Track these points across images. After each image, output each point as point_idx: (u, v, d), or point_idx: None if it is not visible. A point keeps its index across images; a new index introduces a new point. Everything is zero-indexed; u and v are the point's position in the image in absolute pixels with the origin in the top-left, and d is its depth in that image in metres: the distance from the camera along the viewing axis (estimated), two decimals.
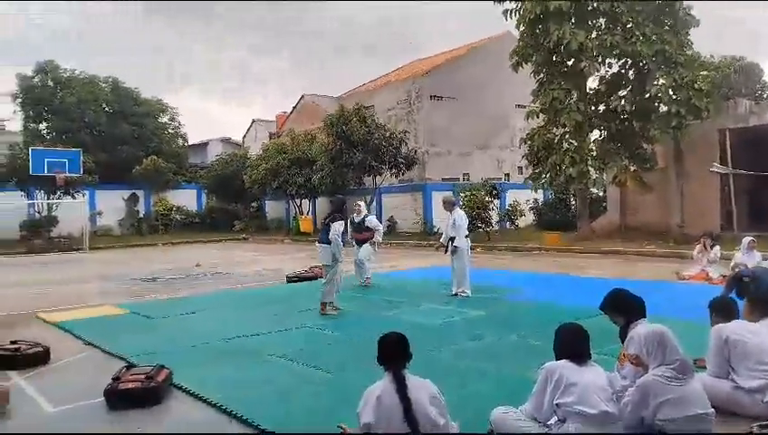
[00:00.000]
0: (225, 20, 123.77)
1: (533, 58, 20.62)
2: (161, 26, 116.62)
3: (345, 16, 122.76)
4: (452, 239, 10.28)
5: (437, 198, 26.53)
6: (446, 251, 10.49)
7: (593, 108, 21.00)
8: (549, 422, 3.60)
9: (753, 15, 72.29)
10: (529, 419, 3.72)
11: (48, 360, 6.48)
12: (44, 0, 79.25)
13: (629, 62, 19.86)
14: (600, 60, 19.75)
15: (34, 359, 6.37)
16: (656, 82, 18.89)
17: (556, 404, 3.51)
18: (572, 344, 3.69)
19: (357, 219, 11.93)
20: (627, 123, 19.95)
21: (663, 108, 18.88)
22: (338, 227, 8.95)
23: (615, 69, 20.62)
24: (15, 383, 5.70)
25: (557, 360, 3.71)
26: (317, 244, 9.49)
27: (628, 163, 19.87)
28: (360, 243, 11.85)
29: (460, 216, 10.40)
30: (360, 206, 12.22)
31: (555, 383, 3.53)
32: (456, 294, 10.11)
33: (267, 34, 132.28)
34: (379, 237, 12.09)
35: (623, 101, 19.54)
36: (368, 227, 11.84)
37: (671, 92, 18.45)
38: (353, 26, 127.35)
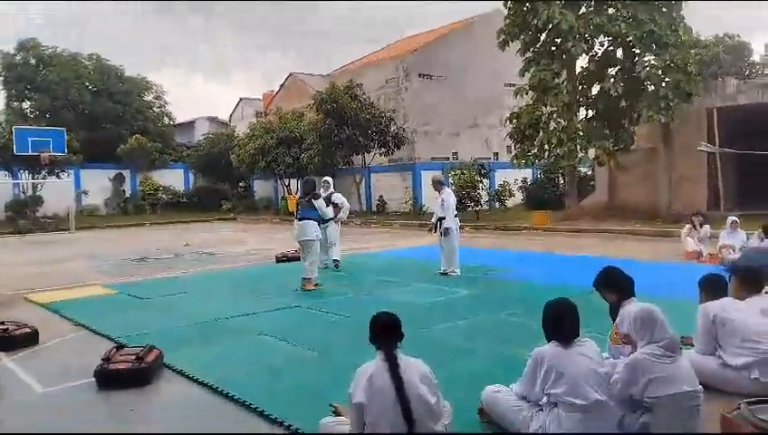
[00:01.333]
0: None
1: (521, 37, 20.49)
2: (145, 5, 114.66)
3: None
4: (441, 219, 10.27)
5: (427, 177, 26.50)
6: (435, 231, 10.52)
7: (582, 87, 20.96)
8: (540, 402, 3.62)
9: None
10: (519, 398, 3.75)
11: (37, 341, 6.45)
12: None
13: (618, 41, 19.78)
14: (587, 41, 19.65)
15: (23, 340, 6.33)
16: (645, 64, 18.86)
17: (546, 393, 3.52)
18: (559, 323, 3.65)
19: (323, 195, 11.31)
20: (614, 104, 19.93)
21: (651, 88, 18.88)
22: (321, 203, 9.73)
23: (603, 49, 20.54)
24: (4, 365, 5.68)
25: (547, 339, 3.69)
26: (296, 222, 9.65)
27: (610, 143, 19.88)
28: (326, 220, 11.27)
29: (448, 195, 10.38)
30: (327, 182, 11.87)
31: (545, 374, 3.52)
32: (445, 273, 10.15)
33: (253, 10, 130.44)
34: (344, 215, 11.83)
35: (612, 81, 19.45)
36: (335, 203, 11.49)
37: (660, 73, 18.44)
38: (339, 5, 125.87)
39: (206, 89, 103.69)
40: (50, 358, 6.00)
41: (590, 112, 21.03)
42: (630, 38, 18.72)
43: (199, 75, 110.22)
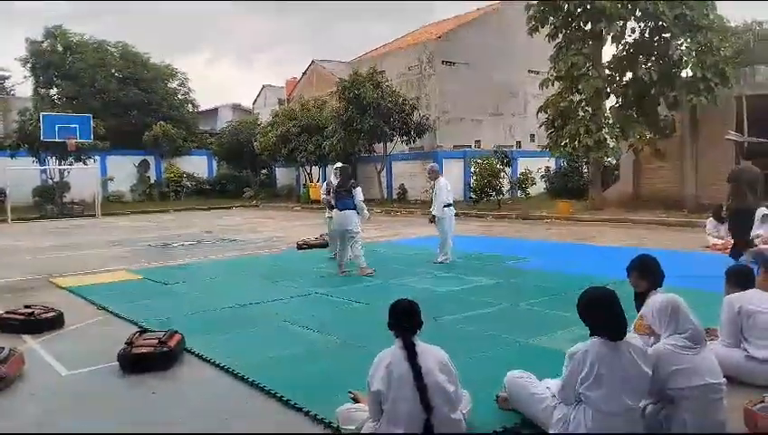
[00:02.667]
0: None
1: (551, 21, 20.19)
2: None
3: None
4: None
5: (449, 165, 26.49)
6: (433, 220, 10.65)
7: (614, 74, 20.61)
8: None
9: None
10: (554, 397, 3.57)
11: (62, 324, 6.56)
12: None
13: (651, 25, 19.38)
14: (620, 24, 19.28)
15: (49, 323, 6.44)
16: (679, 46, 18.45)
17: (579, 392, 3.30)
18: (609, 314, 3.28)
19: (335, 182, 11.00)
20: (647, 90, 19.52)
21: (686, 73, 18.51)
22: (359, 191, 9.75)
23: (637, 34, 20.11)
24: (30, 347, 5.77)
25: (591, 334, 3.34)
26: (335, 211, 9.72)
27: (645, 130, 19.53)
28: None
29: (441, 185, 10.37)
30: (338, 168, 11.25)
31: (585, 374, 3.24)
32: (441, 262, 10.17)
33: None
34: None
35: (645, 67, 18.96)
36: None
37: (695, 56, 18.05)
38: None
39: (230, 76, 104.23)
40: (74, 341, 6.11)
41: (620, 100, 20.67)
42: (663, 20, 18.34)
43: (223, 62, 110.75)
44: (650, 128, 19.73)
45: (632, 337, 3.36)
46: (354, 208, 9.62)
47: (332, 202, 10.06)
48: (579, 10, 18.73)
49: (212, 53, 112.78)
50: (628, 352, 3.24)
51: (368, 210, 10.28)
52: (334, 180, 11.06)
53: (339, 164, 11.77)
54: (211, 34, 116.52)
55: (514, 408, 3.81)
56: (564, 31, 20.20)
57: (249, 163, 37.11)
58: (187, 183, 36.58)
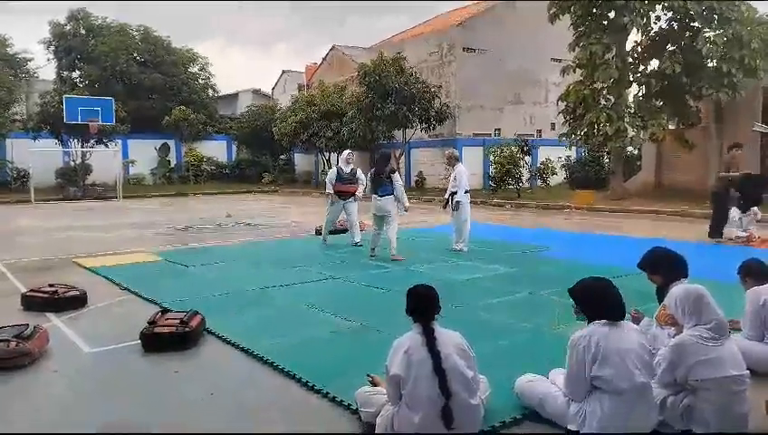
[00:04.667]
0: None
1: (573, 9, 19.92)
2: None
3: None
4: (453, 194, 10.26)
5: (468, 153, 26.31)
6: (446, 206, 10.57)
7: (636, 64, 20.30)
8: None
9: None
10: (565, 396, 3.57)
11: (85, 303, 6.66)
12: None
13: (677, 17, 19.02)
14: (643, 16, 18.95)
15: (72, 302, 6.55)
16: (706, 39, 18.10)
17: (591, 377, 3.32)
18: (607, 298, 3.45)
19: (346, 170, 10.99)
20: (671, 81, 19.19)
21: (711, 64, 18.18)
22: (398, 178, 9.85)
23: (662, 23, 19.76)
24: (54, 325, 5.87)
25: (589, 320, 3.48)
26: (375, 196, 9.75)
27: (668, 120, 19.24)
28: (346, 196, 10.98)
29: (461, 171, 10.28)
30: (351, 156, 11.44)
31: (593, 355, 3.30)
32: (457, 250, 10.13)
33: None
34: (361, 192, 11.22)
35: (670, 61, 18.57)
36: (358, 178, 11.06)
37: (723, 49, 17.72)
38: None
39: (250, 61, 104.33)
40: (97, 320, 6.20)
41: (642, 89, 20.37)
42: (688, 12, 18.00)
43: (243, 47, 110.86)
44: (677, 118, 19.46)
45: (626, 323, 3.51)
46: (392, 194, 9.66)
47: (371, 189, 9.95)
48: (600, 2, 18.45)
49: (231, 38, 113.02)
50: (626, 329, 3.43)
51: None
52: (345, 168, 11.04)
53: (347, 151, 11.79)
54: (231, 20, 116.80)
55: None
56: (586, 20, 19.91)
57: (268, 148, 37.22)
58: (207, 167, 36.79)
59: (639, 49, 20.30)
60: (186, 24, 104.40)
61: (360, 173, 11.12)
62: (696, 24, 18.64)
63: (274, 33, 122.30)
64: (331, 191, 11.02)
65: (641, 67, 20.35)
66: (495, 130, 29.52)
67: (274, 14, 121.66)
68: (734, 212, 11.53)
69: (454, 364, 3.34)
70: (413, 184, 29.80)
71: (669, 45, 19.58)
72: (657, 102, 19.75)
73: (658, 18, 19.60)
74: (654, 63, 19.80)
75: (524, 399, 3.78)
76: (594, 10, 19.63)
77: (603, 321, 3.41)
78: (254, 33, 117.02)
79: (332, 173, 11.21)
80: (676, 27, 19.38)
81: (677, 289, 3.68)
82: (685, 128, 19.46)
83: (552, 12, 20.38)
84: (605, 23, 19.60)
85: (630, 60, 20.21)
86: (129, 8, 77.96)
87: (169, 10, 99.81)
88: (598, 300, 3.49)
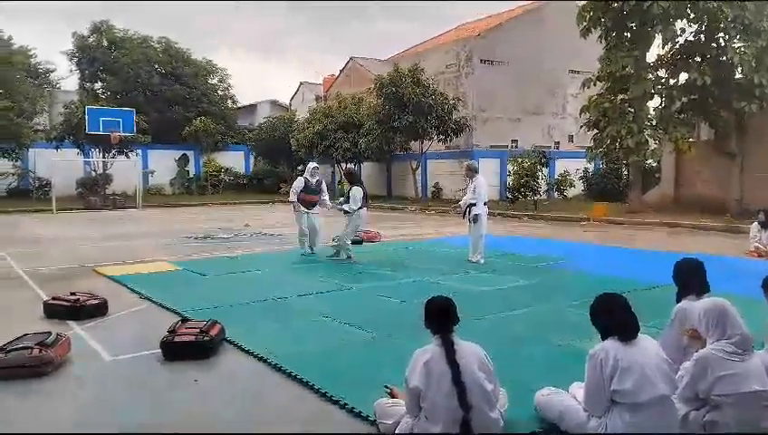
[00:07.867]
0: None
1: (602, 21, 19.84)
2: None
3: None
4: (471, 206, 10.23)
5: (485, 164, 26.26)
6: (464, 216, 10.55)
7: (657, 76, 20.17)
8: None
9: None
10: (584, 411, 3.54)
11: (106, 312, 6.73)
12: None
13: (705, 28, 18.88)
14: (673, 25, 18.82)
15: (93, 310, 6.62)
16: (736, 51, 17.91)
17: (612, 391, 3.29)
18: (620, 316, 3.44)
19: (312, 181, 11.26)
20: (700, 92, 18.98)
21: (740, 76, 18.03)
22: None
23: (688, 34, 19.60)
24: (75, 333, 5.93)
25: (603, 338, 3.47)
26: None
27: (691, 132, 19.09)
28: (311, 206, 11.25)
29: (480, 183, 10.28)
30: (317, 169, 11.56)
31: (611, 370, 3.29)
32: (476, 262, 10.08)
33: None
34: (328, 202, 11.48)
35: (699, 72, 18.19)
36: (322, 190, 11.38)
37: (753, 60, 17.57)
38: None
39: (268, 72, 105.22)
40: (118, 328, 6.26)
41: (664, 101, 20.20)
42: (718, 22, 17.88)
43: (261, 58, 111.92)
44: (713, 129, 19.35)
45: (645, 337, 3.47)
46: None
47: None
48: (630, 11, 18.36)
49: (248, 49, 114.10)
50: (643, 342, 3.40)
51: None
52: (311, 179, 11.24)
53: (313, 163, 11.84)
54: (248, 30, 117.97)
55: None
56: (615, 32, 19.83)
57: (285, 159, 37.44)
58: (225, 177, 37.10)
59: (663, 61, 20.15)
60: (206, 36, 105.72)
61: (324, 185, 11.54)
62: (722, 35, 18.49)
63: (294, 45, 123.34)
64: (294, 200, 11.19)
65: (662, 79, 20.20)
66: (513, 141, 29.45)
67: (293, 26, 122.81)
68: (754, 227, 11.45)
69: (473, 377, 3.33)
70: (429, 195, 29.79)
71: (696, 57, 19.41)
72: (681, 115, 19.59)
73: (683, 30, 19.46)
74: (682, 76, 19.61)
75: (544, 412, 3.74)
76: (626, 22, 19.55)
77: (616, 338, 3.39)
78: (273, 45, 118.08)
79: (300, 182, 11.32)
80: (702, 39, 19.21)
81: (703, 302, 3.64)
82: (717, 139, 19.28)
83: (583, 26, 20.27)
84: (631, 36, 19.52)
85: (665, 71, 20.07)
86: (150, 20, 79.21)
87: (190, 21, 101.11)
88: (609, 317, 3.49)
